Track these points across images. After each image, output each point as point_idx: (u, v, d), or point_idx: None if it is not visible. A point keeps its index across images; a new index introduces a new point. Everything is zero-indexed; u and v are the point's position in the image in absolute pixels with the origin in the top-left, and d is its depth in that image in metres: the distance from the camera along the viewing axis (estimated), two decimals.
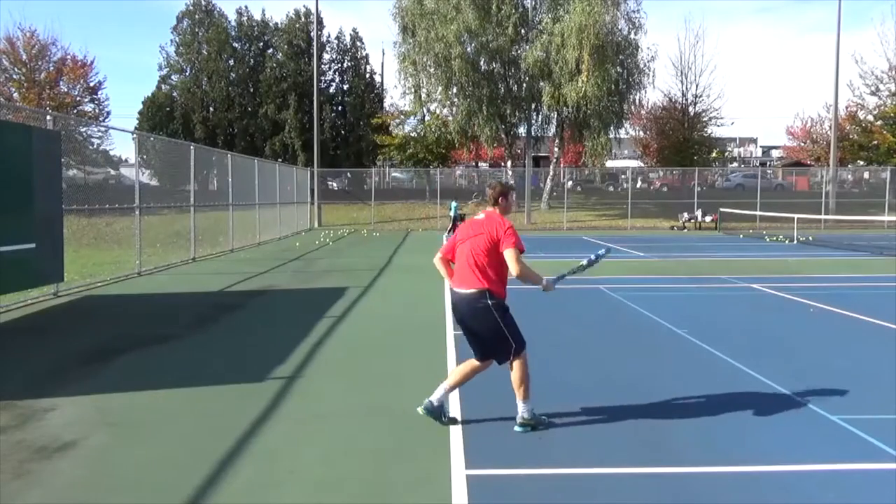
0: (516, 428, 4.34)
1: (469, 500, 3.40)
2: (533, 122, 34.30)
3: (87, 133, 28.82)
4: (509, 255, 4.29)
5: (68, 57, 32.14)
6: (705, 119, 39.43)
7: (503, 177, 37.31)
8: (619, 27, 31.08)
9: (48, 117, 10.52)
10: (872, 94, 36.96)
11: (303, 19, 44.94)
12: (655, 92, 42.71)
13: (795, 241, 21.30)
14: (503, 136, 34.79)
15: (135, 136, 13.71)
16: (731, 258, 16.45)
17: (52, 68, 31.53)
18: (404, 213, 34.35)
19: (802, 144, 46.43)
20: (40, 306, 9.13)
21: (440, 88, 32.34)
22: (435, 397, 4.41)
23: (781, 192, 39.17)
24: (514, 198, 4.70)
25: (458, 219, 26.52)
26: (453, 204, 26.36)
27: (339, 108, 46.28)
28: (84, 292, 10.35)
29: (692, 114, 38.92)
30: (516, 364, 4.37)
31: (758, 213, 27.74)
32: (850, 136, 39.23)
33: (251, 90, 45.01)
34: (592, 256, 4.74)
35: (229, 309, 9.12)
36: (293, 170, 29.28)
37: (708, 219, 29.40)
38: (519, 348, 4.37)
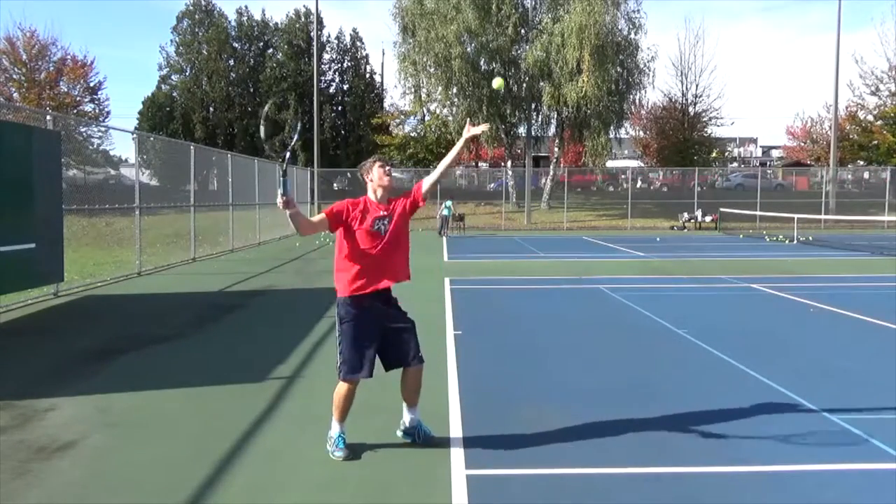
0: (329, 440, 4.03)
1: (469, 500, 3.40)
2: (533, 122, 34.31)
3: (87, 133, 28.77)
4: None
5: (68, 57, 32.09)
6: (705, 119, 39.49)
7: (503, 177, 37.34)
8: (620, 27, 31.14)
9: (48, 117, 10.52)
10: (872, 94, 37.04)
11: (303, 19, 44.96)
12: (655, 92, 42.84)
13: (795, 241, 21.31)
14: (503, 136, 34.82)
15: (135, 136, 13.71)
16: (731, 258, 16.45)
17: (52, 68, 31.46)
18: None
19: (802, 144, 46.47)
20: (40, 306, 9.13)
21: (440, 88, 32.36)
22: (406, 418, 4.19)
23: (781, 192, 39.19)
24: (381, 173, 4.08)
25: (454, 219, 26.42)
26: (448, 203, 26.10)
27: (339, 108, 46.29)
28: (84, 292, 10.35)
29: (692, 114, 38.97)
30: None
31: (758, 213, 27.75)
32: (850, 136, 39.26)
33: (251, 90, 45.03)
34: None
35: (229, 309, 9.12)
36: (293, 170, 29.28)
37: (708, 219, 29.41)
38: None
